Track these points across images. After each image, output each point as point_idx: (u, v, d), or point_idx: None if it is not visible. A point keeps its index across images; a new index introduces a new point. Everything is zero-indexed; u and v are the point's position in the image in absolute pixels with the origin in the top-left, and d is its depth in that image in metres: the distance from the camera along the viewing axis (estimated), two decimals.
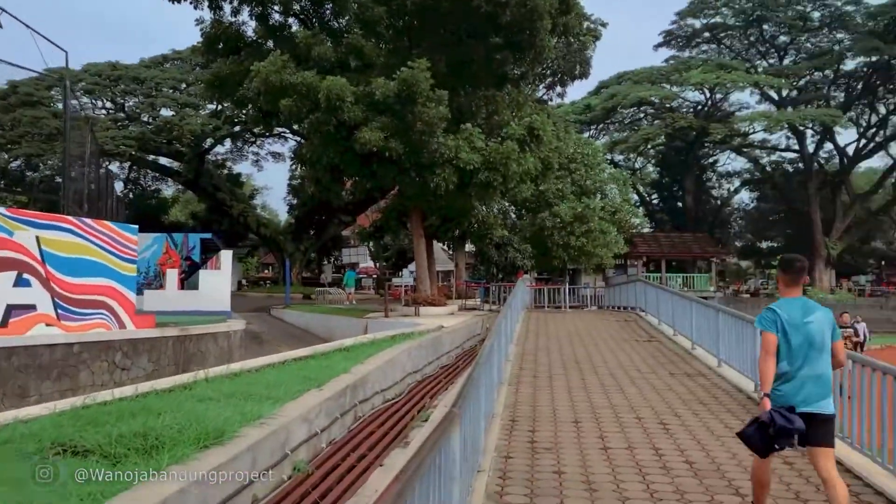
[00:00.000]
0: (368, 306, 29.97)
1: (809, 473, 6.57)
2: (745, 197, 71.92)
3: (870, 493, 6.08)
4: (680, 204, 62.57)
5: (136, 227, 15.10)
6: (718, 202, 68.35)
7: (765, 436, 4.95)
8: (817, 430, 5.00)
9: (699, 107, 58.48)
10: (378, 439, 7.73)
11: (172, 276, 21.63)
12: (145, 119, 47.37)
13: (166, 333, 14.08)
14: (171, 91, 47.73)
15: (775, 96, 57.11)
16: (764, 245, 70.51)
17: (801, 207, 58.78)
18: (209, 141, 50.50)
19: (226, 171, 56.77)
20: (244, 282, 61.17)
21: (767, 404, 5.00)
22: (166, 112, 47.69)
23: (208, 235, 43.84)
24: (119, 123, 45.37)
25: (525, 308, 25.04)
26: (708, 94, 57.12)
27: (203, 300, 19.81)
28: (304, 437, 6.39)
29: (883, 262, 74.24)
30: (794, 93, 57.58)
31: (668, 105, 56.24)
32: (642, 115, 59.13)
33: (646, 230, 57.18)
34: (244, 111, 26.50)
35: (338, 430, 7.51)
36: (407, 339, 13.02)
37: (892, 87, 57.02)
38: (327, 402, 7.17)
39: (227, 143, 55.58)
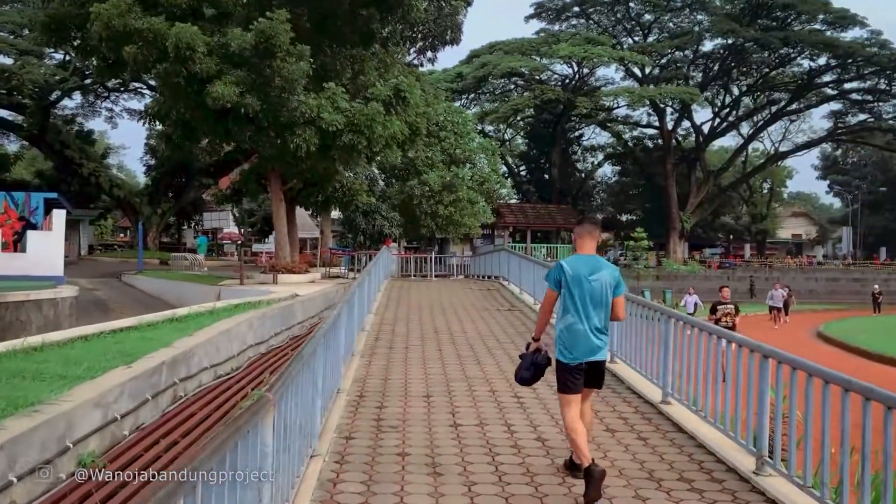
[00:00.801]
0: (226, 273, 28.50)
1: (637, 437, 6.33)
2: (607, 171, 74.41)
3: (722, 469, 5.87)
4: (546, 176, 63.74)
5: None
6: (583, 175, 70.20)
7: (528, 369, 5.69)
8: (594, 376, 5.48)
9: (567, 80, 59.51)
10: (198, 423, 6.87)
11: None
12: None
13: None
14: (10, 36, 43.40)
15: (639, 73, 58.91)
16: (624, 218, 73.21)
17: (659, 182, 61.23)
18: (56, 93, 46.52)
19: (76, 128, 52.58)
20: (97, 246, 57.49)
21: (533, 346, 5.72)
22: (5, 59, 43.38)
23: (53, 195, 40.52)
24: None
25: (389, 277, 24.46)
26: (576, 68, 58.16)
27: (31, 264, 17.81)
28: (98, 425, 5.46)
29: (731, 237, 79.00)
30: (657, 71, 59.62)
31: (537, 77, 56.84)
32: (512, 86, 59.54)
33: (513, 201, 57.93)
34: (88, 61, 24.14)
35: (149, 413, 6.60)
36: (252, 308, 12.07)
37: (745, 69, 60.07)
38: (134, 381, 6.23)
39: (78, 97, 51.53)
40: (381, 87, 20.82)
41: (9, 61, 42.42)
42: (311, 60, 19.63)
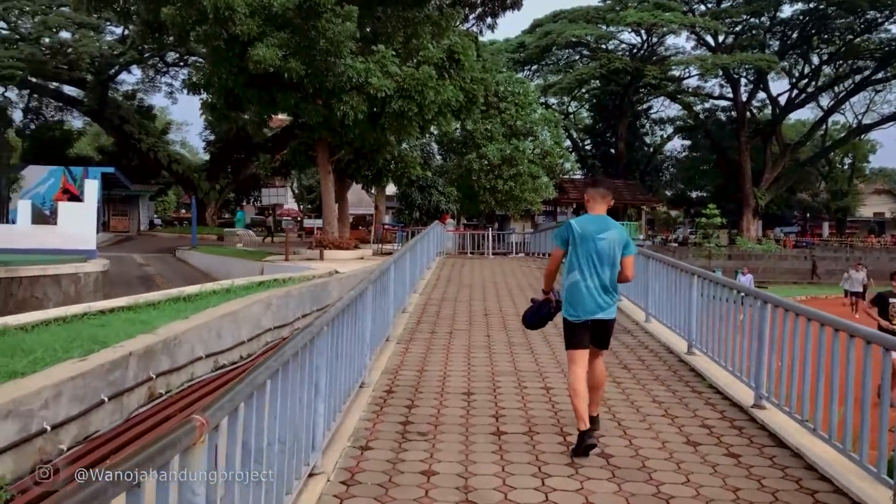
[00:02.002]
0: (275, 249, 27.72)
1: (727, 452, 4.93)
2: (676, 145, 71.46)
3: (846, 502, 4.44)
4: (612, 150, 61.40)
5: None
6: (651, 149, 67.52)
7: (535, 315, 5.99)
8: (600, 335, 5.56)
9: (634, 50, 56.94)
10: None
11: (25, 208, 18.78)
12: (42, 41, 43.01)
13: None
14: (67, 9, 43.46)
15: (711, 42, 55.92)
16: (694, 194, 70.32)
17: (731, 156, 58.29)
18: (115, 68, 46.59)
19: (136, 103, 52.77)
20: (158, 221, 58.10)
21: (543, 298, 5.88)
22: (66, 34, 43.44)
23: (110, 170, 40.58)
24: (6, 43, 40.87)
25: (443, 253, 23.26)
26: (644, 37, 55.55)
27: (60, 238, 17.02)
28: (12, 441, 4.31)
29: (807, 214, 75.25)
30: (730, 39, 56.46)
31: (603, 46, 54.53)
32: (577, 56, 57.35)
33: (577, 176, 55.92)
34: (128, 24, 23.39)
35: (106, 418, 5.49)
36: (275, 287, 10.94)
37: (826, 36, 56.33)
38: (82, 378, 5.10)
39: (138, 72, 51.64)
40: (434, 49, 19.42)
41: (67, 35, 42.47)
42: (361, 23, 18.41)
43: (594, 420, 5.55)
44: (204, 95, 20.72)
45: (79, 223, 17.42)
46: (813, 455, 5.13)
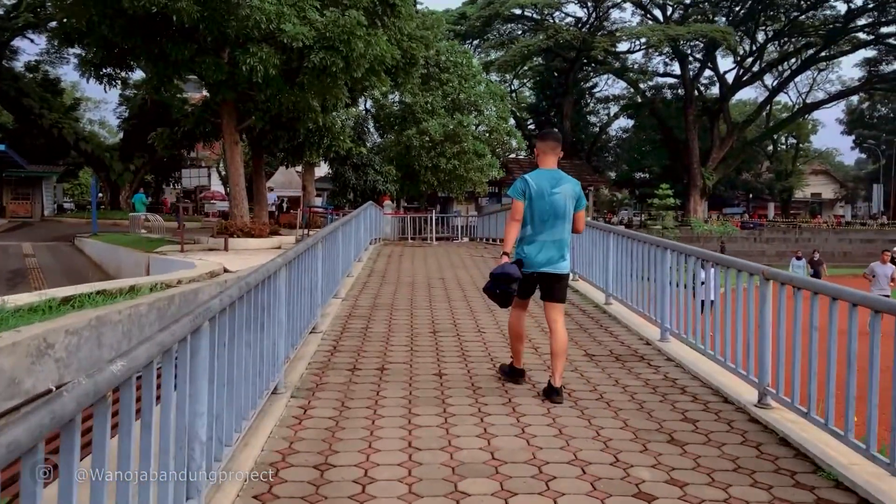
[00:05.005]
0: (187, 237, 23.93)
1: None
2: (622, 125, 69.51)
3: None
4: (557, 130, 58.82)
5: None
6: (597, 128, 65.32)
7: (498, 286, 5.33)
8: (552, 287, 5.51)
9: (581, 24, 54.29)
10: None
11: None
12: None
13: None
14: None
15: (660, 16, 53.66)
16: (638, 175, 68.59)
17: (678, 136, 56.43)
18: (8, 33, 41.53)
19: (39, 76, 47.62)
20: (70, 205, 53.65)
21: (504, 259, 5.43)
22: None
23: (1, 147, 35.90)
24: None
25: (379, 240, 19.97)
26: (590, 9, 52.94)
27: None
28: None
29: (751, 195, 74.42)
30: (678, 14, 54.23)
31: (548, 18, 51.74)
32: (520, 31, 54.48)
33: (523, 156, 53.13)
34: None
35: None
36: (90, 306, 7.35)
37: (772, 13, 54.63)
38: None
39: (42, 41, 46.57)
40: None
41: None
42: None
43: (556, 390, 5.20)
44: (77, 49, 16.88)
45: None
46: None
